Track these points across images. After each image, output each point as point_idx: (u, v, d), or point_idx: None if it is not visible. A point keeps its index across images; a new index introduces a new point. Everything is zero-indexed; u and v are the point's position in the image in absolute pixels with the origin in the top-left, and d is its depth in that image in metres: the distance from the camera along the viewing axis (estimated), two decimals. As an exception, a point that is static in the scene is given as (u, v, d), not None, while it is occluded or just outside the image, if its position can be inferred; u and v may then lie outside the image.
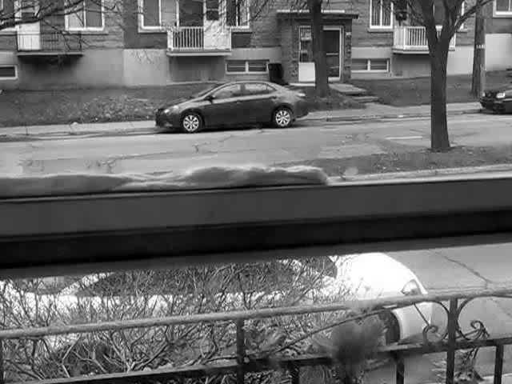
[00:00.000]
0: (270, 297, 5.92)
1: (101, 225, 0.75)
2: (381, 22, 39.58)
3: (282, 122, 28.75)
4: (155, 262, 0.79)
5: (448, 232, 0.84)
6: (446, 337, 2.99)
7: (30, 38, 33.82)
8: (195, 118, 27.99)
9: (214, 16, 35.31)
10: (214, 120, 27.69)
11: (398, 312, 7.91)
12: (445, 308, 2.99)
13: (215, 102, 28.43)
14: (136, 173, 0.80)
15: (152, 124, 28.88)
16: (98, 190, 0.76)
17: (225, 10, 35.51)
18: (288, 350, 3.09)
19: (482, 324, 3.04)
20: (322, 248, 0.83)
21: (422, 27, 28.50)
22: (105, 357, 5.18)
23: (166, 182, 0.79)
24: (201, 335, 5.17)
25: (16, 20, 28.81)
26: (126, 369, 4.92)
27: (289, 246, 0.80)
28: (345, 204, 0.81)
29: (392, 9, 37.03)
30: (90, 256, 0.75)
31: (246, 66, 37.54)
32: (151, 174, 0.80)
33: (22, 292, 5.59)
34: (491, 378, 3.20)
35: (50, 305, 5.57)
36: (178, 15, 36.23)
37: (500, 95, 30.95)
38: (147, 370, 4.60)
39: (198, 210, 0.77)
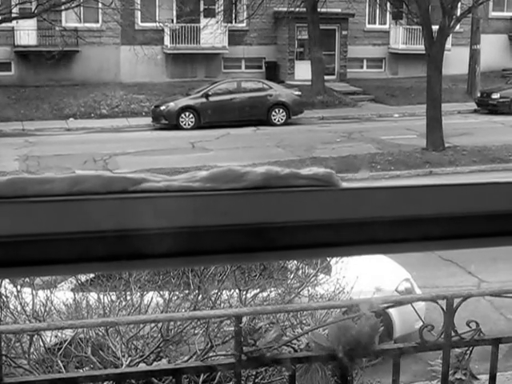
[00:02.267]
0: (265, 294, 5.91)
1: (118, 224, 0.75)
2: (377, 22, 39.57)
3: (278, 120, 28.79)
4: (170, 261, 0.80)
5: (455, 235, 0.85)
6: (442, 335, 2.98)
7: (27, 33, 33.74)
8: (191, 115, 28.01)
9: (210, 13, 35.28)
10: (210, 117, 27.75)
11: (391, 311, 7.82)
12: (441, 307, 2.99)
13: (211, 99, 28.44)
14: (152, 173, 0.80)
15: (148, 120, 28.90)
16: (115, 189, 0.77)
17: (222, 7, 35.50)
18: (285, 347, 3.08)
19: (477, 323, 3.04)
20: (334, 249, 0.85)
21: (418, 27, 28.62)
22: (100, 352, 5.18)
23: (182, 183, 0.79)
24: (196, 332, 5.20)
25: (13, 15, 28.73)
26: (122, 364, 4.93)
27: (301, 247, 0.81)
28: (357, 206, 0.81)
29: (388, 8, 37.09)
30: (108, 255, 0.76)
31: (243, 64, 37.49)
32: (166, 174, 0.80)
33: (18, 287, 5.57)
34: (484, 377, 3.22)
35: (47, 300, 5.56)
36: (174, 12, 36.21)
37: (495, 95, 31.01)
38: (145, 366, 4.61)
39: (213, 211, 0.77)
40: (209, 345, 4.59)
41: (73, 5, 28.67)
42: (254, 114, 28.17)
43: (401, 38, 38.93)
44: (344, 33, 37.69)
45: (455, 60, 36.28)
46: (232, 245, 0.78)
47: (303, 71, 35.06)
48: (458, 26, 27.09)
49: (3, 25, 29.08)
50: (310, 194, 0.81)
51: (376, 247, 0.84)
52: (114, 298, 5.66)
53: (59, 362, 5.11)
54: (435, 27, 23.28)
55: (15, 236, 0.72)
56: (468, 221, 0.84)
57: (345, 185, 0.83)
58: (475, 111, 31.60)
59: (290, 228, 0.79)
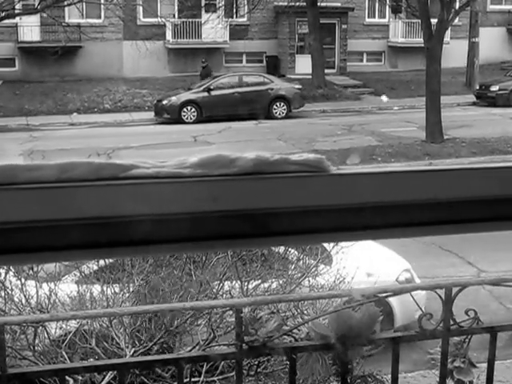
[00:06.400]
0: (266, 285, 5.89)
1: (108, 211, 0.75)
2: (376, 15, 39.58)
3: (279, 114, 28.84)
4: (161, 247, 0.80)
5: (450, 220, 0.85)
6: (441, 324, 3.00)
7: (30, 29, 33.76)
8: (193, 109, 28.07)
9: (212, 8, 35.31)
10: (212, 111, 27.76)
11: (392, 301, 7.96)
12: (440, 296, 3.01)
13: (213, 93, 28.51)
14: (142, 159, 0.80)
15: (151, 115, 28.90)
16: (105, 176, 0.76)
17: (223, 2, 35.45)
18: (285, 336, 3.09)
19: (476, 312, 3.05)
20: (325, 235, 0.84)
21: (417, 20, 28.52)
22: (104, 343, 5.19)
23: (172, 169, 0.79)
24: (199, 322, 5.23)
25: (16, 11, 28.75)
26: (126, 355, 4.96)
27: (292, 233, 0.80)
28: (348, 191, 0.81)
29: (388, 2, 37.17)
30: (98, 242, 0.76)
31: (244, 58, 37.54)
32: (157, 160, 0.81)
33: (22, 280, 5.55)
34: (483, 365, 3.22)
35: (51, 292, 5.53)
36: (176, 7, 36.22)
37: (493, 88, 31.01)
38: (149, 356, 4.63)
39: (203, 197, 0.77)
40: (211, 335, 4.62)
41: (75, 1, 28.76)
42: (256, 107, 28.15)
43: (400, 31, 38.90)
44: (344, 27, 37.69)
45: (454, 53, 36.24)
46: (223, 231, 0.78)
47: (304, 65, 35.08)
48: (456, 19, 27.10)
49: (7, 21, 29.08)
50: (300, 179, 0.81)
51: (367, 233, 0.84)
52: (117, 289, 5.63)
53: (64, 353, 5.13)
54: (434, 20, 23.29)
55: (5, 223, 0.73)
56: (462, 206, 0.84)
57: (335, 170, 0.83)
58: (474, 103, 31.55)
59: (281, 214, 0.79)
